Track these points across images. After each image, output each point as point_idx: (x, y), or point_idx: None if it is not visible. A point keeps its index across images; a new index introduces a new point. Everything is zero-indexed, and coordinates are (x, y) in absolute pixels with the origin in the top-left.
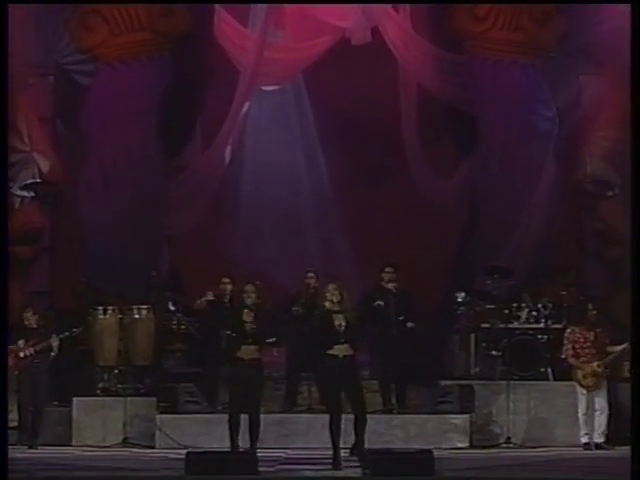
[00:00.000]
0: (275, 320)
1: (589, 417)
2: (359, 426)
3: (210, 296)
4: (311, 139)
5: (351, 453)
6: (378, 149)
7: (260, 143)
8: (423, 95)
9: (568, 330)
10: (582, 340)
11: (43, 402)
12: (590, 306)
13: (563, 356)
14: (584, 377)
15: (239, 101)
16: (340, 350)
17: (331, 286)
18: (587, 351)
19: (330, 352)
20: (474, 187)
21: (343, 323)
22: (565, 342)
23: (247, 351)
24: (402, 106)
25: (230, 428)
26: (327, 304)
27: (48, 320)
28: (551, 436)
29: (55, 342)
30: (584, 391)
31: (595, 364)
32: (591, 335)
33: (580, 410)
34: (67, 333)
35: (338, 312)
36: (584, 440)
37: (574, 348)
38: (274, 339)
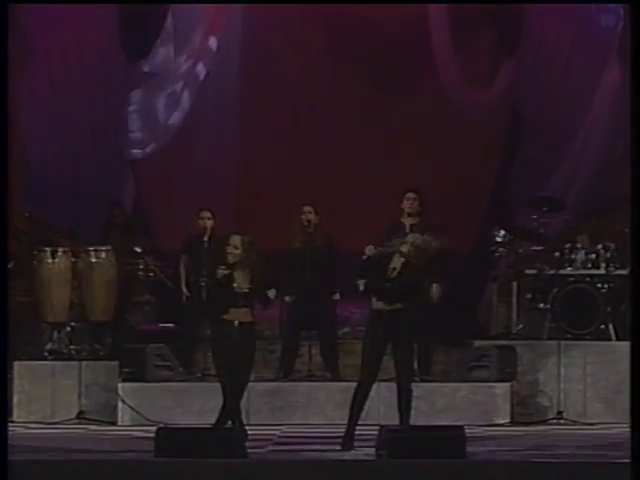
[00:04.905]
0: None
1: None
2: (403, 400)
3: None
4: (316, 38)
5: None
6: (397, 50)
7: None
8: None
9: None
10: None
11: None
12: None
13: None
14: None
15: None
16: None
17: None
18: None
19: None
20: (518, 97)
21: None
22: None
23: (237, 314)
24: None
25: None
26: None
27: None
28: (612, 410)
29: None
30: None
31: None
32: None
33: None
34: None
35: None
36: None
37: None
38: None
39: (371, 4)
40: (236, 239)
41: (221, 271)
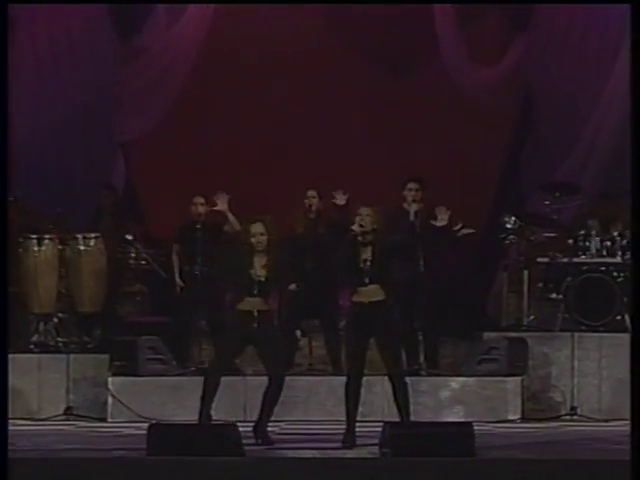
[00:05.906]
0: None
1: None
2: (399, 395)
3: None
4: (316, 18)
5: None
6: (401, 32)
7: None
8: None
9: None
10: None
11: None
12: None
13: None
14: None
15: None
16: (366, 295)
17: (364, 210)
18: None
19: (354, 299)
20: (528, 77)
21: (369, 258)
22: None
23: (252, 303)
24: None
25: (204, 393)
26: (357, 230)
27: None
28: (629, 405)
29: None
30: None
31: None
32: None
33: None
34: None
35: (366, 244)
36: None
37: None
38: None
39: (372, 4)
40: (259, 226)
41: (244, 260)
